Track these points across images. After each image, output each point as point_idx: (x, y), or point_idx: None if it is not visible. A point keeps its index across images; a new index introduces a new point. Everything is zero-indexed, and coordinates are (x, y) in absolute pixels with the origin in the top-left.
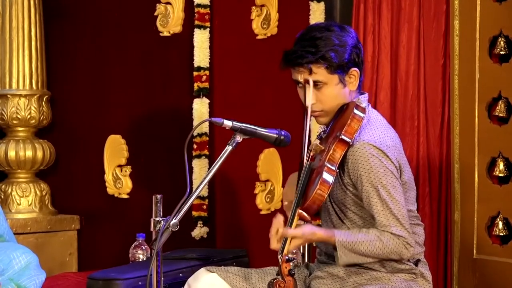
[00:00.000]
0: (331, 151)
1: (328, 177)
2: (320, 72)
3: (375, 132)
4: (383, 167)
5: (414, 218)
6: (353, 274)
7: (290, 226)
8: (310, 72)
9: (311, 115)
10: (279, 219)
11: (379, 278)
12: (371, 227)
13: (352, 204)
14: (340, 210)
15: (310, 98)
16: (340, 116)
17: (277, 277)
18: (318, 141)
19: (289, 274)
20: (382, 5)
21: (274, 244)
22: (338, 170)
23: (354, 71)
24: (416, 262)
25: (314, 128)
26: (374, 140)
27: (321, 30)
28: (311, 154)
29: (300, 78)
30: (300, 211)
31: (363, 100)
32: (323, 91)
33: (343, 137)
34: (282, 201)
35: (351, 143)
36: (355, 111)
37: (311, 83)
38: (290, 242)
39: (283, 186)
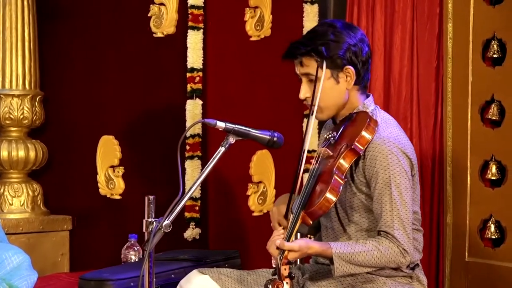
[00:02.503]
0: (341, 159)
1: (338, 185)
2: (311, 65)
3: (393, 131)
4: (399, 166)
5: (417, 222)
6: (348, 276)
7: (293, 229)
8: (302, 64)
9: (308, 112)
10: (280, 230)
11: (374, 280)
12: (374, 233)
13: (361, 206)
14: (345, 214)
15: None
16: (351, 124)
17: (274, 277)
18: (325, 146)
19: (289, 276)
20: (376, 7)
21: (273, 250)
22: (346, 179)
23: (349, 69)
24: (414, 267)
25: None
26: (394, 137)
27: (324, 25)
28: (318, 159)
29: (297, 70)
30: (304, 214)
31: (369, 104)
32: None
33: (354, 147)
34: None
35: (361, 154)
36: (369, 122)
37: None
38: (288, 254)
39: (275, 187)
